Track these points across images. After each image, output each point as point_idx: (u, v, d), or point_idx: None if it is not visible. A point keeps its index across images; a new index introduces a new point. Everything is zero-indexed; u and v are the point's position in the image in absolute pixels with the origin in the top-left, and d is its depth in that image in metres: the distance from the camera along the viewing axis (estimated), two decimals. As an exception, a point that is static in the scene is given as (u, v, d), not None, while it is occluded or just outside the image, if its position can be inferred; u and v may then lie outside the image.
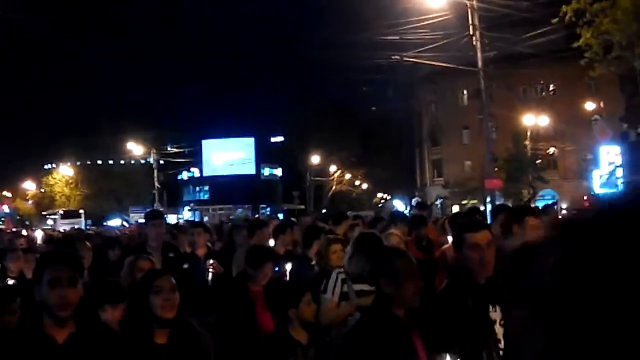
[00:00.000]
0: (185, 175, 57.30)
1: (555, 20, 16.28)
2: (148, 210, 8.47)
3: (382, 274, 2.98)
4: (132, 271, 4.22)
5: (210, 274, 5.85)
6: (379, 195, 59.20)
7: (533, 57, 26.45)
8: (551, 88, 43.24)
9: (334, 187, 52.04)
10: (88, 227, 30.88)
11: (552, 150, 39.09)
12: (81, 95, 47.69)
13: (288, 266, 5.45)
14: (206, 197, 57.30)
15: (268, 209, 52.14)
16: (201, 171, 57.48)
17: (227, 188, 52.40)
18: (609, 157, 23.42)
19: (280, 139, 54.10)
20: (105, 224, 35.87)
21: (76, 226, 31.27)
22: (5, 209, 49.84)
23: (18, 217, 47.99)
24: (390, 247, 4.55)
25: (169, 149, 48.16)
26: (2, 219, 46.40)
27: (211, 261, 6.00)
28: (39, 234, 10.48)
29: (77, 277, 2.59)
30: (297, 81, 49.60)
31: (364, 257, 4.03)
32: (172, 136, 48.57)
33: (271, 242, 6.75)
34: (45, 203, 49.45)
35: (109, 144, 47.20)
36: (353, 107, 47.91)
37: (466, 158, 43.96)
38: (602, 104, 30.83)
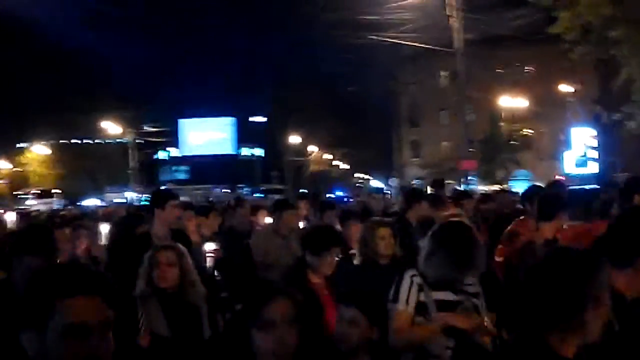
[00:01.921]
0: (162, 154, 56.74)
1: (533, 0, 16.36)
2: (156, 189, 7.25)
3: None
4: (153, 267, 3.56)
5: (208, 261, 5.42)
6: (357, 175, 59.50)
7: (511, 39, 26.64)
8: (527, 70, 43.65)
9: (311, 167, 52.11)
10: (64, 207, 30.45)
11: (527, 131, 39.62)
12: (56, 73, 46.49)
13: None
14: (184, 176, 56.94)
15: (246, 188, 52.09)
16: (180, 151, 57.04)
17: (205, 168, 52.12)
18: (582, 138, 23.92)
19: (260, 119, 53.83)
20: (79, 204, 35.42)
21: (55, 206, 30.87)
22: None
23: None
24: None
25: (145, 128, 47.54)
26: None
27: (212, 246, 5.52)
28: (9, 217, 8.71)
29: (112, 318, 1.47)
30: (276, 61, 49.23)
31: (450, 254, 3.15)
32: (150, 115, 47.91)
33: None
34: (19, 182, 48.53)
35: (85, 122, 46.31)
36: (332, 87, 47.82)
37: (444, 139, 44.31)
38: (578, 86, 31.28)
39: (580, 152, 23.41)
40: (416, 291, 3.19)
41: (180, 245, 3.70)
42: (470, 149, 23.75)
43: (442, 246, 3.19)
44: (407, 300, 3.18)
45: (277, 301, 2.11)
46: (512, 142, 37.56)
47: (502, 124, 35.62)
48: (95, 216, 11.66)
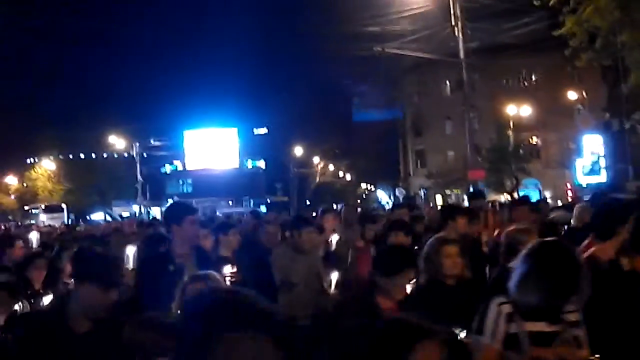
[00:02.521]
0: (168, 168, 56.79)
1: (537, 2, 16.09)
2: (172, 203, 6.66)
3: None
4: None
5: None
6: (363, 186, 59.21)
7: (515, 47, 26.43)
8: (533, 78, 43.41)
9: (317, 179, 51.89)
10: (71, 222, 30.42)
11: (535, 139, 39.31)
12: (62, 89, 46.91)
13: (333, 276, 4.65)
14: (189, 190, 56.85)
15: (251, 201, 51.89)
16: (184, 164, 57.01)
17: (210, 181, 52.00)
18: (592, 146, 23.60)
19: (263, 131, 53.76)
20: (88, 218, 35.39)
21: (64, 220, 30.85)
22: None
23: (1, 212, 47.40)
24: None
25: (151, 142, 47.66)
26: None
27: (231, 269, 4.83)
28: (34, 236, 8.45)
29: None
30: (279, 74, 49.27)
31: (551, 279, 2.70)
32: (155, 129, 48.08)
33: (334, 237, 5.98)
34: (28, 197, 48.87)
35: (91, 137, 46.72)
36: (336, 99, 47.75)
37: (449, 148, 44.04)
38: (584, 94, 30.96)
39: (590, 160, 23.08)
40: (504, 322, 2.76)
41: (216, 276, 3.18)
42: (478, 158, 23.48)
43: (541, 269, 2.72)
44: (493, 333, 2.76)
45: (426, 346, 1.63)
46: (519, 151, 37.24)
47: (509, 132, 35.31)
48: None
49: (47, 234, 13.40)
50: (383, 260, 3.45)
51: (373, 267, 3.52)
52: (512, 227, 4.16)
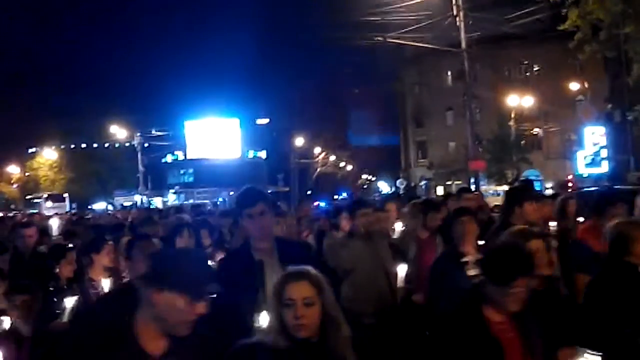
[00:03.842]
0: (169, 158, 56.76)
1: None
2: (242, 190, 3.70)
3: None
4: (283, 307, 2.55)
5: None
6: (364, 176, 59.20)
7: (517, 38, 26.27)
8: (535, 68, 43.21)
9: (318, 169, 51.86)
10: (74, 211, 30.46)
11: (536, 130, 39.21)
12: (63, 79, 46.87)
13: (400, 268, 4.39)
14: (191, 179, 56.85)
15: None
16: (185, 154, 56.98)
17: (211, 171, 51.99)
18: (594, 137, 23.52)
19: (265, 121, 53.67)
20: (90, 207, 35.45)
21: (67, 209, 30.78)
22: None
23: (3, 201, 47.59)
24: None
25: (153, 131, 47.65)
26: (-10, 204, 45.90)
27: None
28: (54, 223, 7.98)
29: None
30: (281, 63, 49.07)
31: None
32: (156, 119, 48.06)
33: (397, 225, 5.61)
34: (30, 187, 49.02)
35: (93, 127, 46.82)
36: (337, 89, 47.61)
37: (450, 139, 43.97)
38: (586, 85, 30.83)
39: (592, 151, 22.99)
40: None
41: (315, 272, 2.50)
42: (479, 149, 23.43)
43: None
44: None
45: None
46: (521, 142, 37.17)
47: (510, 123, 35.22)
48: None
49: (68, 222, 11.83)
50: (492, 264, 2.70)
51: (481, 270, 2.83)
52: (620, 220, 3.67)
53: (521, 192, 4.92)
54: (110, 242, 4.94)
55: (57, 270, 4.68)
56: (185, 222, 5.81)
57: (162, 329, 2.06)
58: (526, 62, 42.50)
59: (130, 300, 2.12)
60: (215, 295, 2.18)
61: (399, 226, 5.74)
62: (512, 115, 35.22)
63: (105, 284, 4.29)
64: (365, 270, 4.73)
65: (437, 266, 4.24)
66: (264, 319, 2.67)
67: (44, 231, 7.18)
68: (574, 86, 30.96)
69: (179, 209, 11.83)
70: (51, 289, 4.39)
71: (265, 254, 3.22)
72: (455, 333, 2.62)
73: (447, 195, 9.11)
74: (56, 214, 18.05)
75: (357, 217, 4.85)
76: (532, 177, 36.46)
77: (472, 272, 3.75)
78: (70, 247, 5.41)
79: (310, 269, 2.46)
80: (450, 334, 2.66)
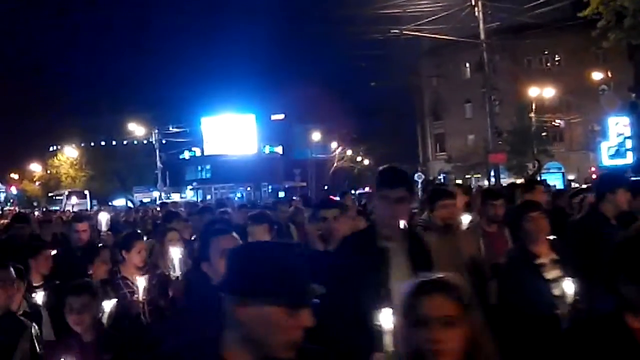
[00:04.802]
0: (187, 154, 57.06)
1: None
2: (383, 168, 3.30)
3: None
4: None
5: None
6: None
7: (537, 28, 25.69)
8: (556, 58, 42.37)
9: (335, 164, 51.65)
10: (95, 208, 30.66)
11: (558, 122, 38.44)
12: (83, 77, 47.43)
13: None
14: (208, 175, 57.06)
15: (269, 186, 51.87)
16: (202, 150, 57.18)
17: (228, 167, 52.11)
18: (618, 128, 22.96)
19: (280, 116, 53.57)
20: (110, 204, 35.73)
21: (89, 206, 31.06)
22: (14, 190, 50.21)
23: (26, 198, 48.46)
24: None
25: (170, 128, 47.95)
26: (11, 200, 46.72)
27: None
28: (103, 218, 7.10)
29: None
30: (296, 58, 48.92)
31: None
32: (174, 115, 48.37)
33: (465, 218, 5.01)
34: (51, 184, 49.84)
35: (112, 125, 47.50)
36: (353, 83, 47.33)
37: (469, 132, 43.39)
38: (609, 74, 30.07)
39: (616, 142, 22.42)
40: None
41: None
42: (499, 142, 23.00)
43: None
44: None
45: None
46: (542, 134, 36.46)
47: (531, 115, 34.56)
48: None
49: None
50: (627, 257, 1.91)
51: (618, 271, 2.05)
52: None
53: (614, 178, 4.67)
54: (144, 239, 4.67)
55: (91, 271, 4.44)
56: (262, 213, 5.09)
57: (257, 354, 1.53)
58: (547, 52, 41.70)
59: (214, 314, 1.59)
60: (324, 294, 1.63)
61: (466, 218, 5.14)
62: (533, 107, 34.56)
63: (141, 283, 3.97)
64: (445, 270, 4.15)
65: (509, 270, 3.71)
66: (386, 318, 2.27)
67: (92, 227, 6.82)
68: (597, 75, 30.20)
69: (220, 203, 11.07)
70: None
71: (393, 242, 2.82)
72: (593, 349, 1.91)
73: (514, 185, 8.27)
74: (100, 209, 17.77)
75: (436, 209, 4.30)
76: (554, 170, 35.87)
77: (550, 274, 3.36)
78: (104, 245, 5.15)
79: (453, 278, 1.97)
80: (586, 350, 1.93)
